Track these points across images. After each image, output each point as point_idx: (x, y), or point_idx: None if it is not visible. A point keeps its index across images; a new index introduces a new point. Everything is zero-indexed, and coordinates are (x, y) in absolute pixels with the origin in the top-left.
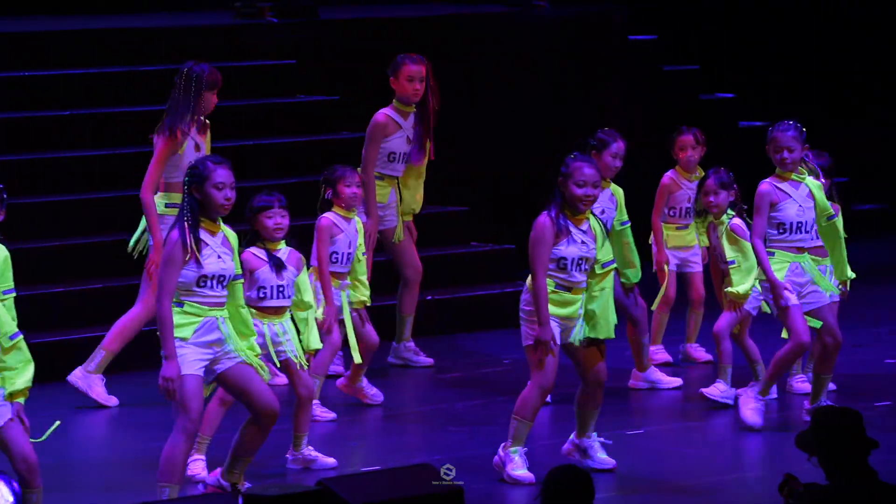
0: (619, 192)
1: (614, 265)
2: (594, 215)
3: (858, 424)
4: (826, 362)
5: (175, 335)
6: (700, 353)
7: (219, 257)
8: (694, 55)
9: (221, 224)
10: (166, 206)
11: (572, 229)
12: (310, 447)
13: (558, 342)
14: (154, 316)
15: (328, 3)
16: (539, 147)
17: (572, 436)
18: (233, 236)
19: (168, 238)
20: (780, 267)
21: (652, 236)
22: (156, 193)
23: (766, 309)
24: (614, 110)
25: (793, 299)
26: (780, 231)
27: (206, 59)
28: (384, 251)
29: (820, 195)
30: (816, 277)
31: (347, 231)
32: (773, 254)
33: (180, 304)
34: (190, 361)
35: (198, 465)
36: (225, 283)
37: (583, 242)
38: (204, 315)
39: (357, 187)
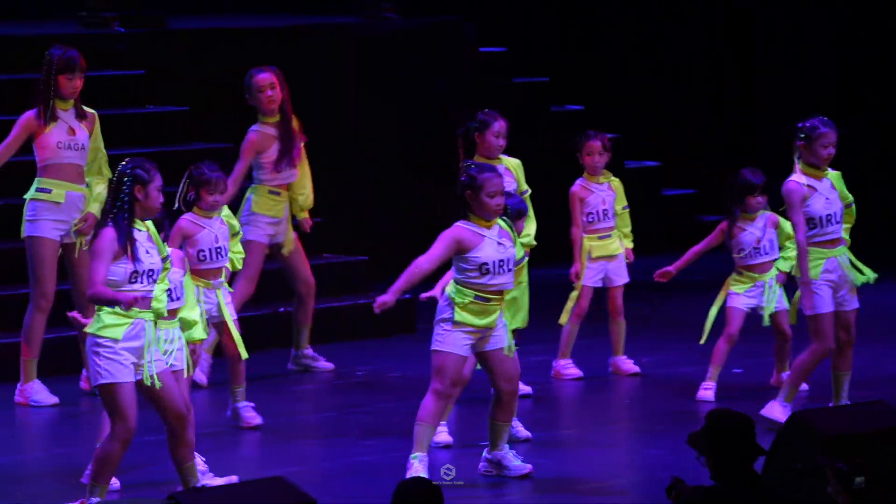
0: (512, 161)
1: (526, 259)
2: (500, 217)
3: (749, 429)
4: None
5: (106, 335)
6: (628, 365)
7: (147, 252)
8: (543, 67)
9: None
10: (37, 190)
11: (486, 235)
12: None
13: (464, 354)
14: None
15: (176, 14)
16: (391, 158)
17: (485, 452)
18: (155, 234)
19: (102, 233)
20: (815, 264)
21: (574, 252)
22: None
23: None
24: (465, 121)
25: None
26: (812, 226)
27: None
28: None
29: (840, 185)
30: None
31: (210, 227)
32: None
33: (112, 305)
34: (124, 369)
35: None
36: (155, 279)
37: (499, 244)
38: (134, 317)
39: (220, 195)
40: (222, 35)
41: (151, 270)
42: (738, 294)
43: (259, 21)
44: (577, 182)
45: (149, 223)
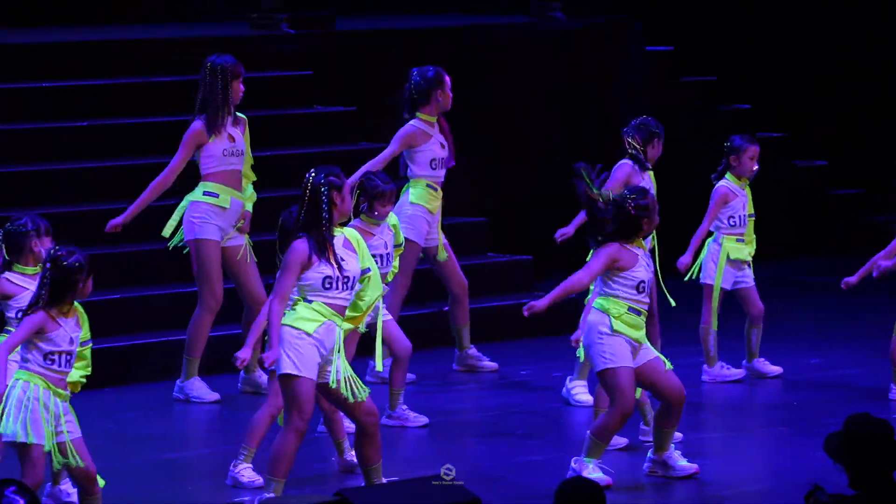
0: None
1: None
2: None
3: (889, 436)
4: None
5: (299, 326)
6: (769, 367)
7: (342, 259)
8: (711, 66)
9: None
10: (204, 193)
11: (639, 255)
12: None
13: (633, 364)
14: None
15: (344, 14)
16: (554, 157)
17: (650, 454)
18: (356, 239)
19: (294, 245)
20: None
21: (711, 248)
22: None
23: None
24: (629, 121)
25: None
26: None
27: None
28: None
29: None
30: None
31: (380, 234)
32: None
33: (309, 301)
34: (309, 362)
35: (248, 472)
36: (351, 286)
37: (648, 265)
38: (328, 318)
39: (392, 206)
40: (390, 35)
41: (347, 278)
42: None
43: (426, 21)
44: (725, 183)
45: (349, 230)
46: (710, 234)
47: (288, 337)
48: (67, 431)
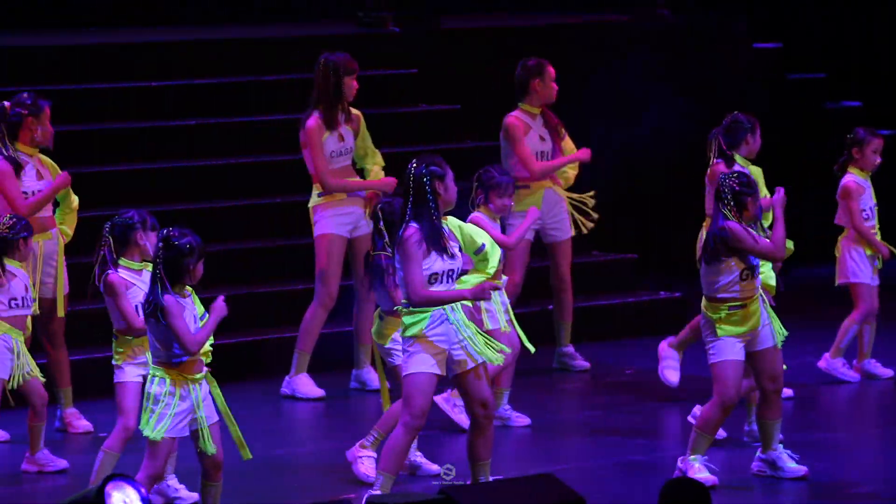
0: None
1: None
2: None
3: None
4: None
5: (408, 334)
6: (881, 369)
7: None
8: (819, 63)
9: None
10: (318, 195)
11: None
12: (418, 453)
13: (741, 357)
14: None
15: (449, 13)
16: (660, 155)
17: (758, 452)
18: (452, 224)
19: (408, 237)
20: None
21: (847, 246)
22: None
23: None
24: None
25: None
26: None
27: None
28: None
29: None
30: None
31: (496, 229)
32: None
33: (407, 305)
34: (422, 359)
35: (368, 463)
36: (455, 277)
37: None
38: (431, 310)
39: (510, 199)
40: (494, 34)
41: (453, 271)
42: None
43: (529, 20)
44: (851, 178)
45: (451, 219)
46: (841, 231)
47: (405, 346)
48: (205, 416)
